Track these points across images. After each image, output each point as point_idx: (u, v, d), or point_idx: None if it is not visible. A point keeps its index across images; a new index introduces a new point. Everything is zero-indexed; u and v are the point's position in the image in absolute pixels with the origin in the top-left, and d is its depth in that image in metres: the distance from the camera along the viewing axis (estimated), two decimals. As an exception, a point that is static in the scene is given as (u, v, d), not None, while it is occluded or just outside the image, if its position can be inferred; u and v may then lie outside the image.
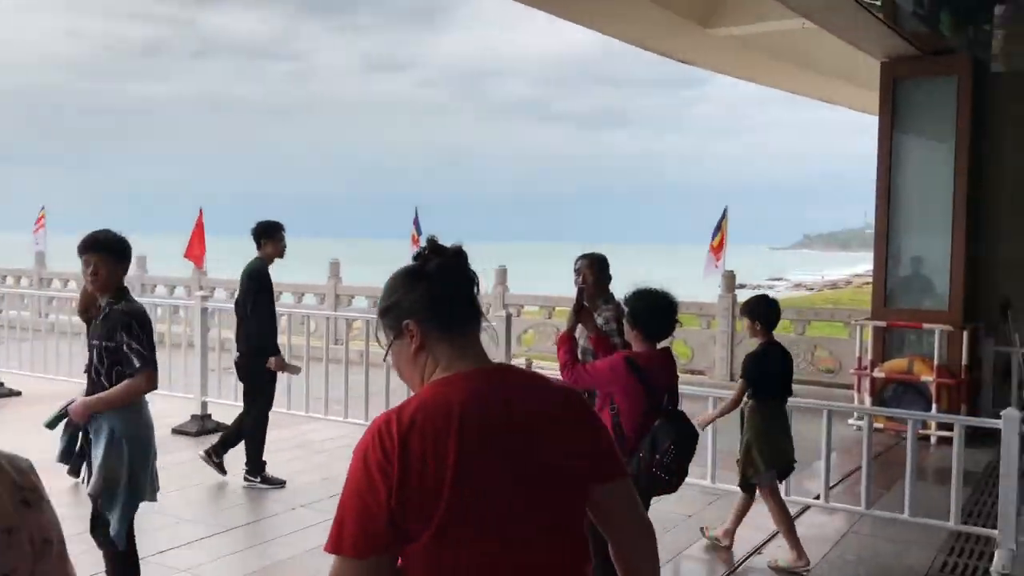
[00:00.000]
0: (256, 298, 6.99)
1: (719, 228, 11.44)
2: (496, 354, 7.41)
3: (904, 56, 8.99)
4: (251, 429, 7.19)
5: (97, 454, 4.11)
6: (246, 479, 7.12)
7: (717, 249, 11.29)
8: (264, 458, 7.25)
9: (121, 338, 4.06)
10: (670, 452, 4.07)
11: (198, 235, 15.50)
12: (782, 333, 11.62)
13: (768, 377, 5.54)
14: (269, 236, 7.08)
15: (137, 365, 4.07)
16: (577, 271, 5.46)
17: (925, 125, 9.25)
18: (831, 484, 6.60)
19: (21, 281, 19.15)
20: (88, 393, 4.22)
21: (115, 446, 4.09)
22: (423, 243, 1.96)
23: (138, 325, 4.12)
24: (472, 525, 1.65)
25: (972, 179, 8.91)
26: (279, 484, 7.14)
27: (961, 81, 8.78)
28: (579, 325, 4.63)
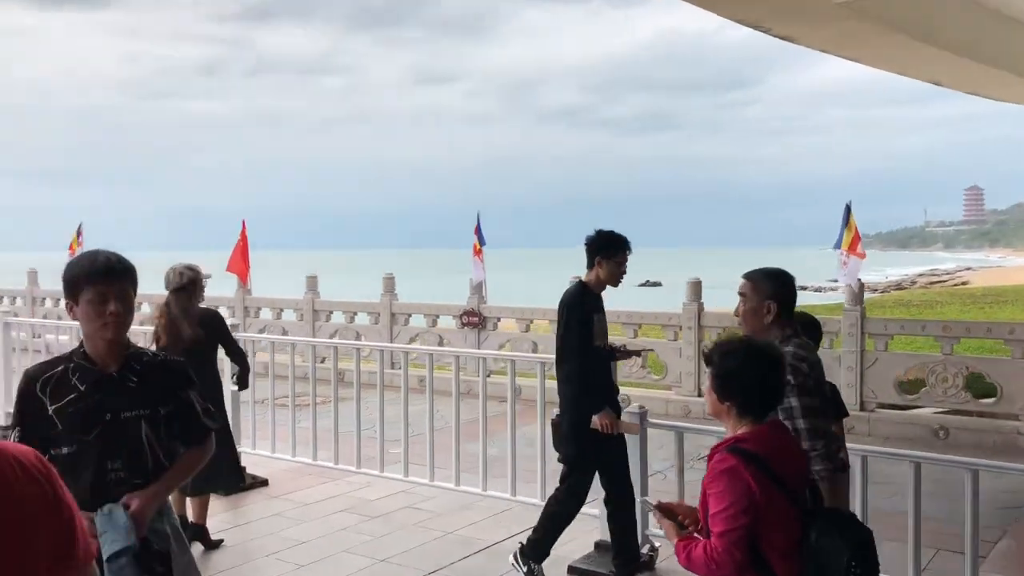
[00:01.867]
0: (567, 335, 5.10)
1: (847, 226, 9.61)
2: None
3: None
4: (555, 505, 5.34)
5: (182, 564, 2.93)
6: (515, 558, 5.35)
7: (853, 247, 9.46)
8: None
9: (187, 395, 3.03)
10: (853, 573, 2.70)
11: (241, 249, 14.10)
12: (928, 352, 9.77)
13: None
14: (608, 254, 5.14)
15: (209, 425, 3.08)
16: (742, 294, 3.75)
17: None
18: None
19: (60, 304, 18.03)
20: (109, 496, 2.80)
21: (182, 542, 3.02)
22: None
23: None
24: None
25: None
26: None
27: None
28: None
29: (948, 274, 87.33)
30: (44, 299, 18.17)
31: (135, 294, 2.96)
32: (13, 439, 2.83)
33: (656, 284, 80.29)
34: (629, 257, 5.18)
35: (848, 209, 9.71)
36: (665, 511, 3.00)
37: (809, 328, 4.43)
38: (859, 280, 9.72)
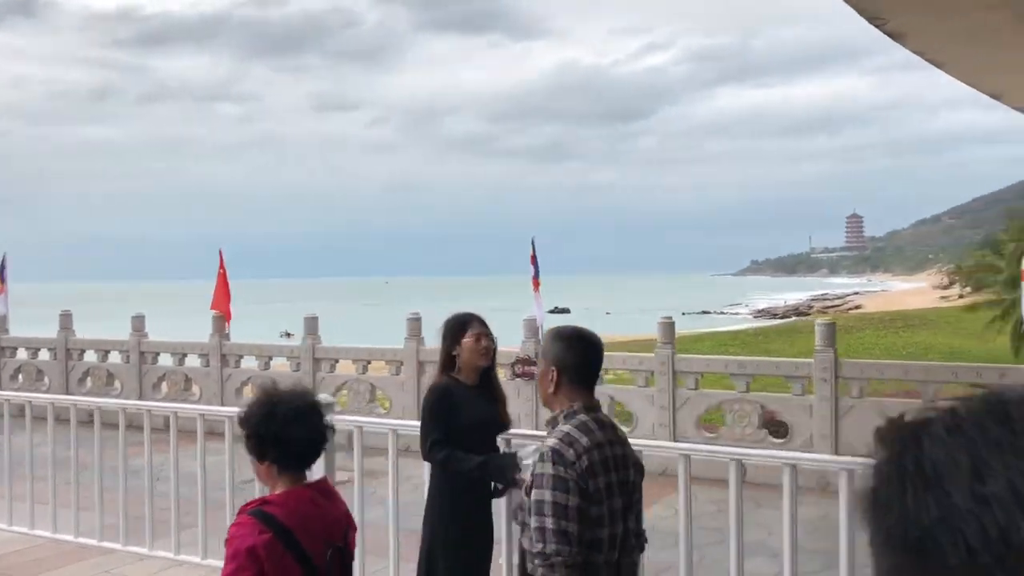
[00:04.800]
0: None
1: None
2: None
3: None
4: None
5: None
6: None
7: None
8: None
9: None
10: None
11: (223, 283, 11.58)
12: (725, 391, 8.24)
13: None
14: None
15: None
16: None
17: None
18: None
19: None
20: None
21: None
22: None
23: None
24: None
25: None
26: None
27: None
28: None
29: (839, 299, 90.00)
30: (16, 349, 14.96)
31: None
32: None
33: (564, 311, 79.51)
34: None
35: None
36: None
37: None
38: (669, 321, 10.05)
